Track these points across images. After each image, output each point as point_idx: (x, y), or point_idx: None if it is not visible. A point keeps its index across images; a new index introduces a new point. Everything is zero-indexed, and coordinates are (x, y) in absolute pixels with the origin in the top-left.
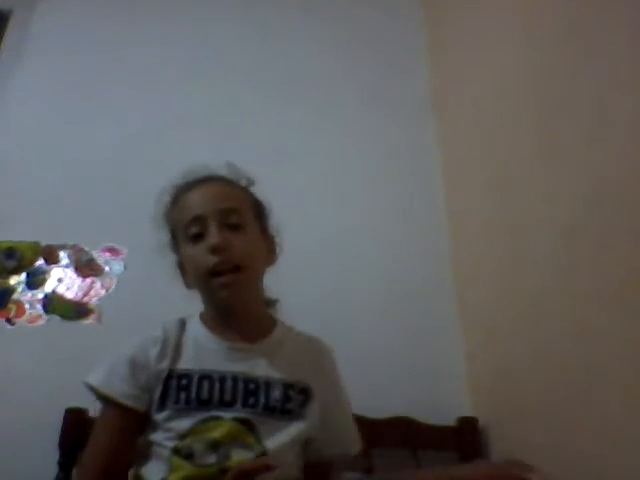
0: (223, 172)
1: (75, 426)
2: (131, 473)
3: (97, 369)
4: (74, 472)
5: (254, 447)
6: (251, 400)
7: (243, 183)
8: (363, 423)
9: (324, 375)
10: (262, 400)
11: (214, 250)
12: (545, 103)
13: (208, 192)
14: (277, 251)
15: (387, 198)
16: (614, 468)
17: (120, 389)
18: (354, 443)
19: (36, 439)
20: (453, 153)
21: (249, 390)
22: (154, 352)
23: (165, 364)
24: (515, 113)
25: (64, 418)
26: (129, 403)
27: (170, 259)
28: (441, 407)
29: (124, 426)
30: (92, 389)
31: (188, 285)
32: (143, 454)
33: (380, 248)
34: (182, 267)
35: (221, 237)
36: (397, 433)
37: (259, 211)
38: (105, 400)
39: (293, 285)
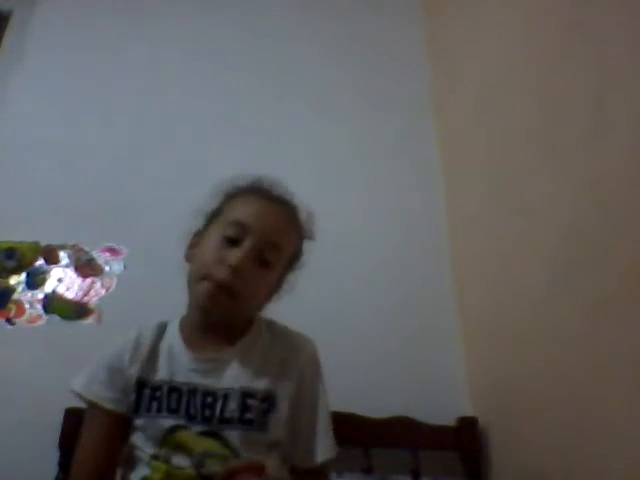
0: (301, 208)
1: (75, 426)
2: (119, 476)
3: (79, 374)
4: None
5: (230, 459)
6: (207, 413)
7: (305, 232)
8: (363, 423)
9: (295, 375)
10: (217, 413)
11: (228, 267)
12: (546, 102)
13: (271, 214)
14: (273, 300)
15: (387, 199)
16: (615, 468)
17: (101, 393)
18: (323, 451)
19: (36, 439)
20: (453, 153)
21: (206, 403)
22: (127, 357)
23: (134, 369)
24: (515, 112)
25: (64, 418)
26: (110, 406)
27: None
28: (441, 407)
29: (109, 429)
30: (76, 394)
31: (187, 257)
32: (129, 458)
33: (380, 249)
34: (195, 239)
35: (243, 264)
36: (397, 433)
37: (292, 261)
38: (89, 404)
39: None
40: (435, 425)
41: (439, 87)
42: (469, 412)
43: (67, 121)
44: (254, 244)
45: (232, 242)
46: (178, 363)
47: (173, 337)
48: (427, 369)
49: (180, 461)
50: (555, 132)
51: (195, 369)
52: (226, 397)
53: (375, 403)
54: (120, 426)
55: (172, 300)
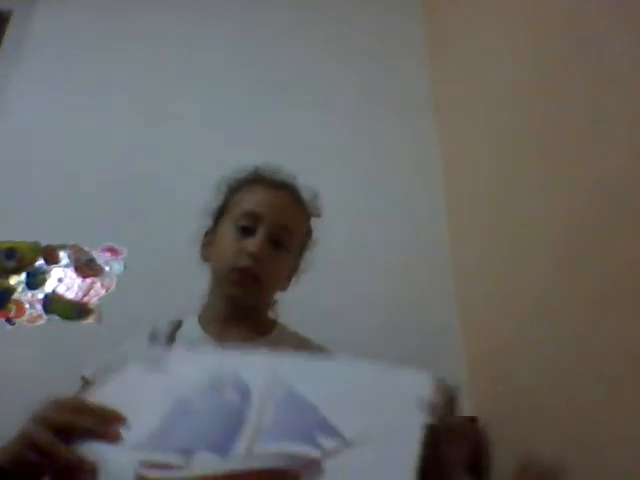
0: (304, 189)
1: None
2: None
3: (91, 363)
4: None
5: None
6: None
7: (311, 210)
8: None
9: None
10: None
11: (249, 255)
12: (546, 102)
13: (279, 200)
14: (292, 282)
15: (386, 198)
16: (616, 468)
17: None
18: None
19: None
20: (453, 153)
21: None
22: (142, 345)
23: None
24: (515, 111)
25: None
26: None
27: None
28: None
29: None
30: (83, 379)
31: (204, 257)
32: None
33: (379, 249)
34: (207, 237)
35: (262, 250)
36: None
37: (305, 242)
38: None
39: (293, 285)
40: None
41: (439, 86)
42: (469, 412)
43: (67, 121)
44: (267, 230)
45: (246, 231)
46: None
47: (192, 328)
48: (427, 369)
49: None
50: (555, 132)
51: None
52: None
53: None
54: None
55: (172, 300)
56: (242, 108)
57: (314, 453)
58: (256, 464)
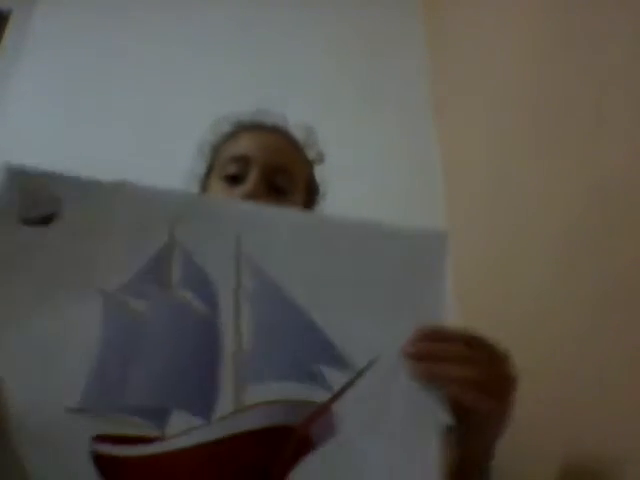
0: (299, 132)
1: None
2: None
3: None
4: None
5: None
6: None
7: (311, 155)
8: None
9: None
10: None
11: (246, 197)
12: (545, 101)
13: (268, 140)
14: None
15: (386, 199)
16: (615, 468)
17: None
18: None
19: None
20: (453, 152)
21: None
22: None
23: None
24: (515, 111)
25: None
26: None
27: None
28: None
29: None
30: None
31: None
32: None
33: None
34: None
35: (257, 190)
36: None
37: (311, 191)
38: None
39: None
40: None
41: (439, 86)
42: None
43: (67, 121)
44: (260, 170)
45: (235, 180)
46: None
47: None
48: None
49: None
50: (555, 131)
51: None
52: None
53: None
54: None
55: None
56: (242, 108)
57: (321, 396)
58: (250, 424)
